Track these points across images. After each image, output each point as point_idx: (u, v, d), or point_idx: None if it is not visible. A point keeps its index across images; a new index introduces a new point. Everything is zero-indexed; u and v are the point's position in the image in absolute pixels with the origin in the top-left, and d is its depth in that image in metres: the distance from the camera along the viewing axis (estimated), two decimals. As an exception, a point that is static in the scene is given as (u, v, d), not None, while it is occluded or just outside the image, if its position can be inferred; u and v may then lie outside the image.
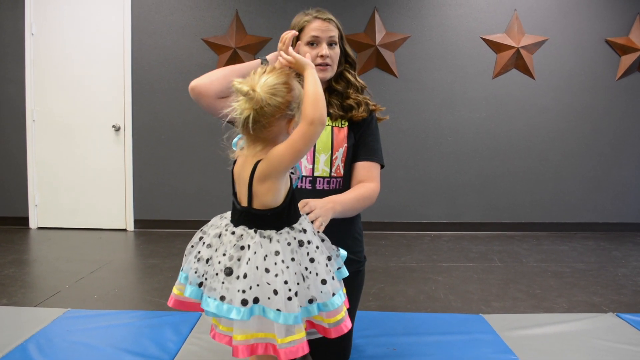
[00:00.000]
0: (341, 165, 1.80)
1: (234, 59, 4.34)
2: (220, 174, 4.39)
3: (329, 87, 1.85)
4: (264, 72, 1.25)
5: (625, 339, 2.15)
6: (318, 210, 1.50)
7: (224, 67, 1.70)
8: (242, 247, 1.24)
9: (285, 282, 1.21)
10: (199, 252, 1.32)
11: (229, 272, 1.22)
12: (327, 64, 1.77)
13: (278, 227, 1.28)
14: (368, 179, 1.82)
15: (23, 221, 4.53)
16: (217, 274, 1.24)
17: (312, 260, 1.28)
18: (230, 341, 1.24)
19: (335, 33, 1.78)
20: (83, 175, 4.50)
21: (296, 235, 1.29)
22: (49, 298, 2.68)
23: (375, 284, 2.96)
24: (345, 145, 1.81)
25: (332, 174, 1.79)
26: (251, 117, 1.21)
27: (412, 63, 4.44)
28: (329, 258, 1.36)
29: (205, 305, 1.23)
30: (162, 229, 4.47)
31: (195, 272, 1.30)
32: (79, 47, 4.43)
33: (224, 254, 1.25)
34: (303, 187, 1.76)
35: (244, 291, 1.19)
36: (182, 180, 4.49)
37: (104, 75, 4.44)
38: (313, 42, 1.76)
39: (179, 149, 4.46)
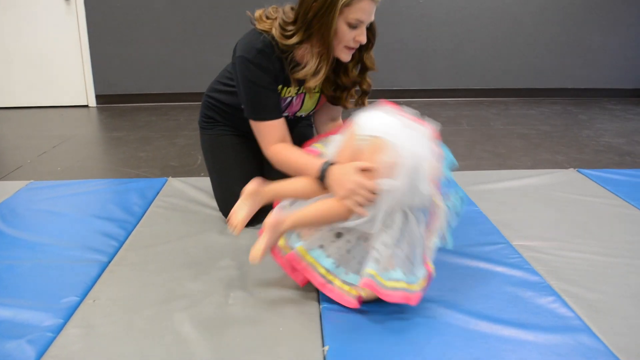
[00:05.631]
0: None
1: None
2: (182, 43, 4.20)
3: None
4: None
5: (584, 191, 2.23)
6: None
7: (287, 161, 1.63)
8: None
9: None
10: None
11: None
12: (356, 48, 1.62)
13: None
14: (338, 117, 1.94)
15: (-22, 100, 4.34)
16: None
17: None
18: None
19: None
20: (36, 51, 4.23)
21: None
22: (10, 173, 2.61)
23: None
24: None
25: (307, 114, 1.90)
26: None
27: None
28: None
29: None
30: (126, 104, 4.32)
31: None
32: None
33: None
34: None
35: None
36: (143, 52, 4.26)
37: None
38: (355, 25, 1.53)
39: (136, 17, 4.18)
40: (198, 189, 2.23)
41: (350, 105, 1.79)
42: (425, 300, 1.36)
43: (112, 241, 1.76)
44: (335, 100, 1.77)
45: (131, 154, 2.88)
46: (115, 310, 1.37)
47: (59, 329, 1.29)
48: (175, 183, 2.30)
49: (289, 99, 1.75)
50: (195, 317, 1.34)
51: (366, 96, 1.78)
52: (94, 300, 1.42)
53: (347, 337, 1.25)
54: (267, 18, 1.63)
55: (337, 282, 1.38)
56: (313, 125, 2.07)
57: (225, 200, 1.88)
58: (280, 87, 1.69)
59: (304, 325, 1.31)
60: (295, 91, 1.73)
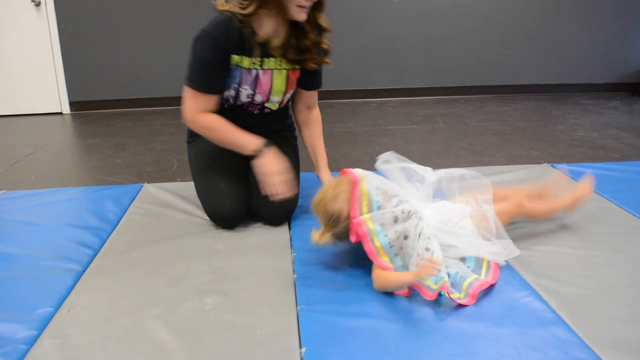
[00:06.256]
0: (288, 97, 1.98)
1: None
2: (156, 47, 4.17)
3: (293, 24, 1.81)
4: None
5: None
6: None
7: (222, 129, 1.83)
8: None
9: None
10: None
11: None
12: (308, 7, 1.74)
13: None
14: (314, 105, 2.07)
15: (-52, 109, 4.24)
16: None
17: None
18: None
19: None
20: (6, 58, 4.15)
21: None
22: (-19, 182, 2.57)
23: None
24: (295, 84, 1.97)
25: (279, 106, 1.98)
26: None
27: None
28: None
29: None
30: (101, 110, 4.27)
31: None
32: None
33: None
34: (252, 111, 1.93)
35: None
36: (117, 57, 4.21)
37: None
38: None
39: (109, 22, 4.13)
40: (174, 194, 2.20)
41: (314, 65, 1.90)
42: (400, 298, 1.39)
43: (87, 249, 1.73)
44: (300, 63, 1.88)
45: (106, 160, 2.84)
46: (91, 320, 1.36)
47: (33, 341, 1.27)
48: (150, 189, 2.27)
49: (254, 72, 1.82)
50: (172, 324, 1.33)
51: (327, 55, 1.91)
52: (68, 310, 1.40)
53: (324, 338, 1.25)
54: (226, 2, 1.79)
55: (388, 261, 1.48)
56: (296, 129, 2.17)
57: (212, 197, 1.88)
58: (239, 57, 1.79)
59: (281, 327, 1.31)
60: (259, 62, 1.82)
